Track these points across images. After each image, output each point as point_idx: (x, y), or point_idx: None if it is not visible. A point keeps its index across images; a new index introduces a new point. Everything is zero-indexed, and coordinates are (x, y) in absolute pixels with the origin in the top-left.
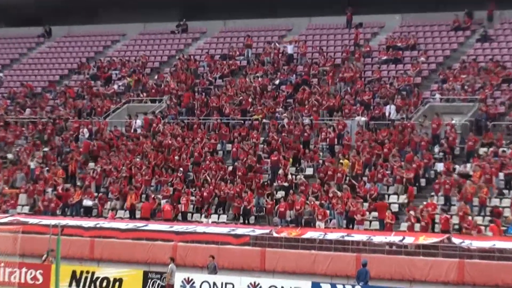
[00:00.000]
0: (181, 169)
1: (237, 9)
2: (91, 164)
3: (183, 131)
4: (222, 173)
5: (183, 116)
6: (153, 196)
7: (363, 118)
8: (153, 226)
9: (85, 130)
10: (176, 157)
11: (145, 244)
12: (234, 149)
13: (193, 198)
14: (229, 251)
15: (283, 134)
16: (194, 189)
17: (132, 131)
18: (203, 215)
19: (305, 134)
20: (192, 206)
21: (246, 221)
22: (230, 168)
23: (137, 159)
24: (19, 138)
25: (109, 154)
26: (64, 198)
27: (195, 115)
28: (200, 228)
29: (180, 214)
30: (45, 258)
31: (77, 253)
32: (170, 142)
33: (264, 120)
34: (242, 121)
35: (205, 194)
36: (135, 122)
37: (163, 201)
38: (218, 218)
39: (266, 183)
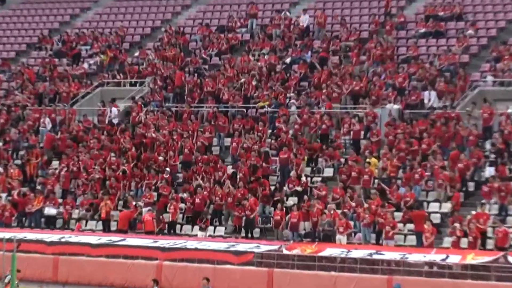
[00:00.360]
0: (167, 169)
1: None
2: (55, 163)
3: (170, 121)
4: (220, 174)
5: (170, 103)
6: (133, 203)
7: (396, 106)
8: (132, 240)
9: (47, 120)
10: (161, 156)
11: (122, 263)
12: (234, 144)
13: (182, 205)
14: (227, 272)
15: (295, 126)
16: (184, 194)
17: (106, 121)
18: (197, 227)
19: (323, 126)
20: (181, 215)
21: (249, 235)
22: (230, 168)
23: (113, 157)
24: None
25: (78, 150)
26: (21, 206)
27: (185, 102)
28: (191, 244)
29: (166, 225)
30: (8, 281)
31: (36, 274)
32: (154, 135)
33: (271, 109)
34: (244, 110)
35: (197, 200)
36: (110, 111)
37: (144, 210)
38: (214, 231)
39: (274, 187)
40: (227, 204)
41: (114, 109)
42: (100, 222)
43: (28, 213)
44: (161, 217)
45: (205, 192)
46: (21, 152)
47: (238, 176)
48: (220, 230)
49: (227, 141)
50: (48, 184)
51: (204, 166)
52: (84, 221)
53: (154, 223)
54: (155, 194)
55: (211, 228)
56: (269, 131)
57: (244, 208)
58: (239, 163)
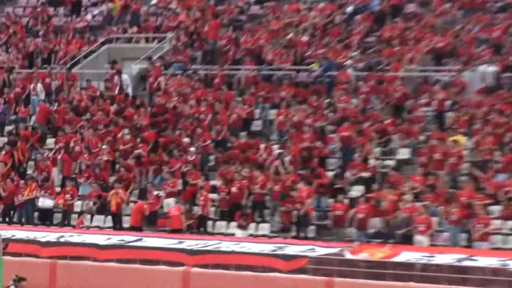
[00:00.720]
0: (193, 149)
1: None
2: (51, 142)
3: (198, 89)
4: (263, 156)
5: (198, 65)
6: (155, 193)
7: (491, 68)
8: (151, 240)
9: (40, 86)
10: (187, 133)
11: (138, 269)
12: (281, 118)
13: (215, 196)
14: (274, 282)
15: (359, 94)
16: (217, 181)
17: (116, 89)
18: (234, 224)
19: (396, 94)
20: (213, 209)
21: (302, 234)
22: (276, 148)
23: (126, 134)
24: None
25: (80, 125)
26: (9, 197)
27: (217, 64)
28: (227, 245)
29: (194, 222)
30: None
31: (28, 283)
32: (176, 106)
33: (328, 73)
34: (294, 74)
35: (234, 189)
36: (121, 76)
37: (167, 201)
38: (256, 229)
39: (333, 173)
40: (272, 195)
41: (125, 77)
42: (110, 217)
43: (17, 205)
44: (193, 211)
45: (244, 180)
46: (8, 128)
47: (286, 159)
48: (264, 228)
49: (272, 113)
50: (43, 168)
51: (243, 146)
52: (88, 216)
53: (182, 220)
54: (179, 182)
55: (252, 225)
56: (326, 101)
57: (294, 200)
58: (287, 142)
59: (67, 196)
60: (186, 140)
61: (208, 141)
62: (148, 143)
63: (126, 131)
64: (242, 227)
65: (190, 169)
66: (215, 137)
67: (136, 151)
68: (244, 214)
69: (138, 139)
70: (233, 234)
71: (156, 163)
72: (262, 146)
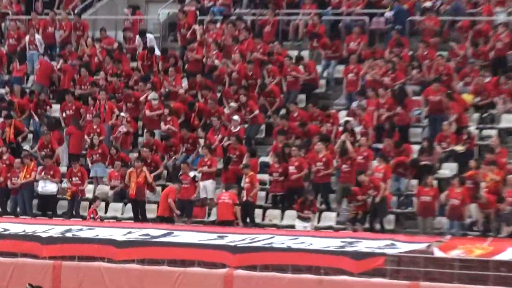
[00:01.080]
0: (237, 117)
1: None
2: (54, 109)
3: (244, 39)
4: (327, 126)
5: (243, 9)
6: (191, 174)
7: None
8: (184, 235)
9: (39, 38)
10: (230, 98)
11: (167, 272)
12: (350, 76)
13: (266, 177)
14: (342, 287)
15: (451, 43)
16: (268, 159)
17: (139, 50)
18: (291, 214)
19: (498, 44)
20: (264, 194)
21: (378, 226)
22: (342, 115)
23: (153, 100)
24: None
25: (92, 88)
26: (2, 180)
27: (268, 7)
28: (280, 240)
29: (238, 210)
30: None
31: None
32: (216, 63)
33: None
34: (367, 18)
35: (292, 169)
36: (145, 37)
37: (203, 184)
38: (319, 220)
39: (419, 147)
40: (340, 176)
41: (151, 38)
42: (129, 206)
43: (12, 190)
44: (242, 195)
45: (304, 157)
46: (0, 90)
47: (357, 129)
48: (329, 218)
49: (339, 70)
50: (44, 143)
51: (302, 114)
52: (103, 204)
53: (237, 210)
54: (217, 159)
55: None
56: (410, 53)
57: (367, 182)
58: (358, 107)
59: (75, 178)
60: (232, 105)
61: (256, 111)
62: (179, 115)
63: (152, 94)
64: (303, 218)
65: (233, 143)
66: (266, 103)
67: (164, 127)
68: (306, 200)
69: (166, 110)
70: (290, 227)
71: (189, 141)
72: (327, 113)
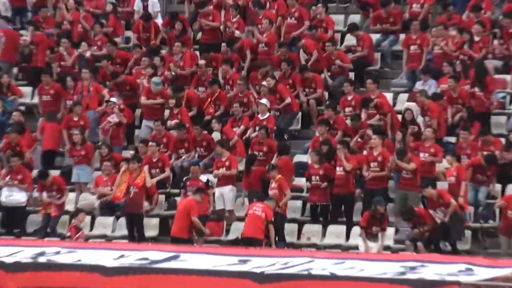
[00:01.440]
0: (265, 101)
1: None
2: (25, 91)
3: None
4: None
5: None
6: (204, 178)
7: None
8: (194, 258)
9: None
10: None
11: None
12: (413, 48)
13: (303, 181)
14: None
15: None
16: (306, 158)
17: (137, 16)
18: (339, 229)
19: None
20: (300, 204)
21: (446, 245)
22: (402, 99)
23: (154, 82)
24: None
25: (73, 64)
26: None
27: None
28: (322, 265)
29: (272, 228)
30: None
31: None
32: (236, 33)
33: None
34: None
35: (339, 171)
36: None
37: (220, 191)
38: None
39: (505, 140)
40: (399, 182)
41: (154, 1)
42: (123, 220)
43: None
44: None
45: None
46: None
47: (419, 120)
48: (386, 236)
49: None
50: (10, 139)
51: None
52: (87, 218)
53: (270, 229)
54: (238, 159)
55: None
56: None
57: (436, 198)
58: (422, 92)
59: (50, 193)
60: (265, 83)
61: (288, 99)
62: (190, 106)
63: (154, 78)
64: (371, 235)
65: (259, 135)
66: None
67: (171, 123)
68: (376, 213)
69: (173, 100)
70: (335, 247)
71: (202, 143)
72: (383, 95)
